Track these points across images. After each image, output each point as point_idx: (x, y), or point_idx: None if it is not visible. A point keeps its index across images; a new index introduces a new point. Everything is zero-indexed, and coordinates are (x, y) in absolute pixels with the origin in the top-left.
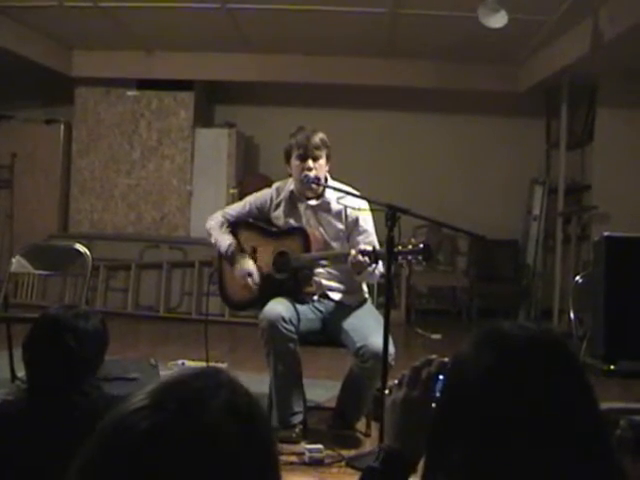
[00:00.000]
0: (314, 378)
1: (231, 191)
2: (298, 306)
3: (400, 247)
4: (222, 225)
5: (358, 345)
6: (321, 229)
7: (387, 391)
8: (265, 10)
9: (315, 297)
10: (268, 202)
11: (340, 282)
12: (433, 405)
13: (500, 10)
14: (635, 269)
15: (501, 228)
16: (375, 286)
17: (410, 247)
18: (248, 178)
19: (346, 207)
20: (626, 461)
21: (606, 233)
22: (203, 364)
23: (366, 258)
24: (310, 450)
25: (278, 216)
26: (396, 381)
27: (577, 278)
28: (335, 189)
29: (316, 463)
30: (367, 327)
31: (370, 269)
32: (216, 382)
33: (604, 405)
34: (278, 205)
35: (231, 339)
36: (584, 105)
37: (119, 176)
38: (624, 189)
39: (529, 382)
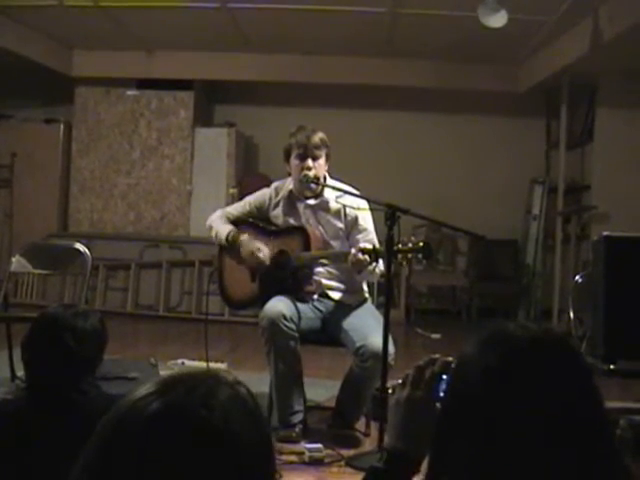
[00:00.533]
0: (314, 377)
1: (231, 191)
2: (298, 304)
3: (400, 246)
4: (222, 218)
5: (358, 345)
6: (320, 228)
7: (390, 390)
8: (265, 10)
9: (315, 296)
10: (267, 201)
11: (340, 281)
12: (437, 405)
13: (500, 10)
14: (635, 269)
15: (501, 228)
16: (375, 286)
17: (410, 245)
18: (248, 178)
19: (345, 206)
20: (626, 461)
21: (606, 233)
22: (203, 364)
23: (366, 257)
24: (310, 449)
25: (277, 215)
26: (400, 381)
27: (577, 278)
28: (334, 188)
29: (316, 463)
30: (367, 326)
31: (370, 268)
32: (220, 378)
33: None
34: (277, 204)
35: (231, 339)
36: (584, 105)
37: (119, 176)
38: (624, 189)
39: (532, 382)
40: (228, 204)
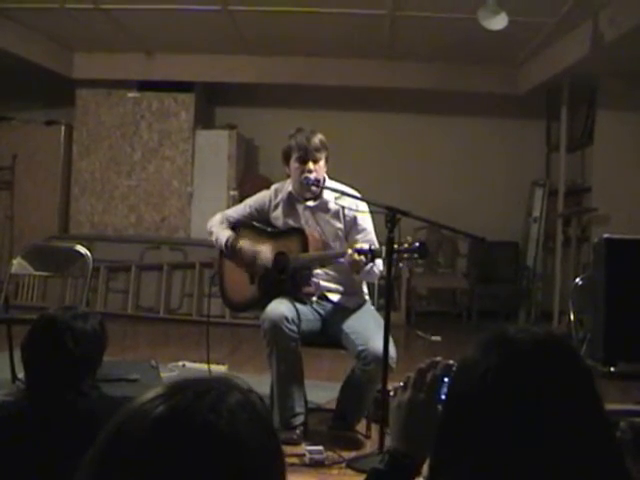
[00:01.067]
0: (315, 380)
1: (231, 192)
2: (298, 306)
3: (396, 246)
4: (222, 223)
5: (360, 348)
6: (320, 229)
7: (392, 393)
8: (265, 12)
9: (314, 298)
10: (267, 203)
11: (339, 283)
12: (438, 407)
13: (500, 12)
14: (635, 271)
15: (501, 230)
16: (376, 288)
17: (406, 245)
18: (248, 180)
19: (344, 207)
20: (626, 463)
21: (606, 235)
22: (204, 366)
23: (362, 257)
24: (311, 451)
25: (277, 217)
26: (401, 383)
27: (577, 280)
28: (334, 190)
29: (316, 464)
30: (368, 330)
31: (367, 267)
32: (232, 384)
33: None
34: (277, 206)
35: (232, 341)
36: (584, 107)
37: (120, 177)
38: (624, 191)
39: (533, 385)
40: (229, 206)
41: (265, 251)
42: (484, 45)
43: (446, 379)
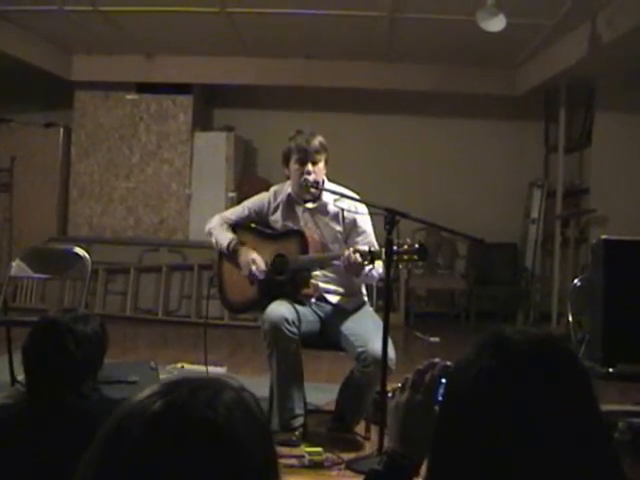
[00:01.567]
0: (313, 381)
1: (230, 194)
2: (298, 307)
3: (397, 248)
4: (222, 225)
5: (359, 350)
6: (319, 231)
7: (390, 394)
8: (264, 14)
9: (313, 300)
10: (266, 205)
11: (338, 285)
12: (436, 408)
13: (498, 14)
14: (633, 272)
15: (500, 231)
16: (374, 289)
17: (405, 247)
18: (247, 181)
19: (343, 209)
20: (624, 464)
21: (604, 236)
22: (203, 367)
23: (357, 256)
24: (310, 453)
25: (276, 219)
26: (399, 384)
27: (575, 281)
28: (333, 192)
29: (316, 466)
30: (367, 331)
31: (367, 270)
32: (225, 383)
33: (602, 408)
34: (276, 208)
35: (230, 342)
36: (582, 108)
37: (118, 180)
38: (622, 192)
39: (530, 386)
40: (227, 208)
41: (261, 260)
42: (482, 47)
43: (444, 380)
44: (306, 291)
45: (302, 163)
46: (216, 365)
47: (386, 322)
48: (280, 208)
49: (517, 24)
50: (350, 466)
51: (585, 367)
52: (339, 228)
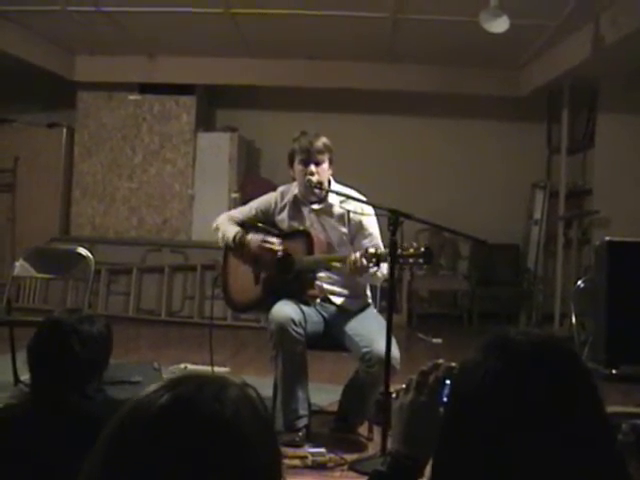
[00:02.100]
0: (317, 382)
1: (233, 195)
2: (304, 308)
3: (401, 251)
4: (229, 221)
5: (364, 350)
6: (325, 233)
7: (394, 395)
8: (267, 15)
9: (317, 300)
10: (272, 206)
11: (342, 286)
12: (440, 409)
13: (502, 15)
14: (636, 273)
15: (502, 232)
16: (378, 290)
17: (412, 251)
18: (250, 182)
19: (349, 211)
20: (629, 466)
21: (607, 237)
22: (206, 368)
23: (363, 259)
24: (313, 454)
25: (282, 219)
26: (403, 385)
27: (578, 282)
28: (338, 194)
29: (319, 467)
30: (372, 332)
31: (372, 271)
32: (229, 380)
33: (606, 409)
34: (282, 209)
35: (233, 343)
36: (585, 109)
37: (121, 180)
38: (625, 193)
39: (534, 387)
40: (230, 208)
41: (270, 238)
42: (486, 48)
43: (448, 381)
44: (311, 292)
45: (305, 164)
46: (219, 366)
47: (389, 323)
48: (286, 208)
49: (520, 25)
50: (353, 467)
51: (589, 369)
52: (344, 230)
